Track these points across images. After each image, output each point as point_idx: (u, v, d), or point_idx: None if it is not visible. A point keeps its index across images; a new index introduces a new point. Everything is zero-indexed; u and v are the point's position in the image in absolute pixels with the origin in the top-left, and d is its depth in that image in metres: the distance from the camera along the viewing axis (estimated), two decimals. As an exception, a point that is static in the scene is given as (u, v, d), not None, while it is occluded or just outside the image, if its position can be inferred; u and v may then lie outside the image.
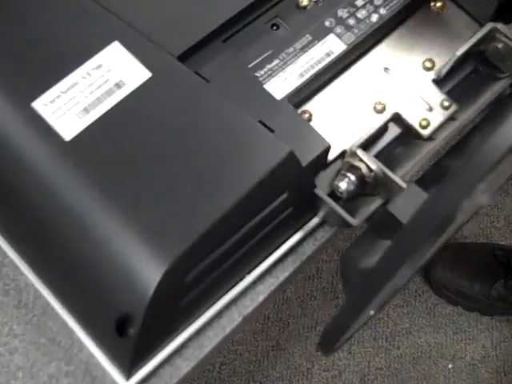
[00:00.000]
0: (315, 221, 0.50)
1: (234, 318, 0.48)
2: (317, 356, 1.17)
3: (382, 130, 0.51)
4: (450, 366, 1.18)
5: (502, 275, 1.18)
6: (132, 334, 0.42)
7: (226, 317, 0.48)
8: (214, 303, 0.47)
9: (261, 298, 0.49)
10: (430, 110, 0.52)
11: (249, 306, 0.49)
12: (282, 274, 0.50)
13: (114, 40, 0.46)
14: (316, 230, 0.51)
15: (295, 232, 0.50)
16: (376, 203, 0.48)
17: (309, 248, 0.51)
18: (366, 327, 1.19)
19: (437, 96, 0.52)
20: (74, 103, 0.44)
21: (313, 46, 0.51)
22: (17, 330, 0.47)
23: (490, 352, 1.20)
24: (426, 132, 0.51)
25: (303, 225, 0.50)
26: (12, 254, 0.48)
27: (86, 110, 0.44)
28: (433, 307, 1.22)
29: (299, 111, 0.50)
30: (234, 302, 0.48)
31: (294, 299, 1.20)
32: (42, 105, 0.44)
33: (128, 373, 0.44)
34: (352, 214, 0.47)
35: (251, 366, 1.15)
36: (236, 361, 1.15)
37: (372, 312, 0.46)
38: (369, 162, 0.47)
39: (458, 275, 1.20)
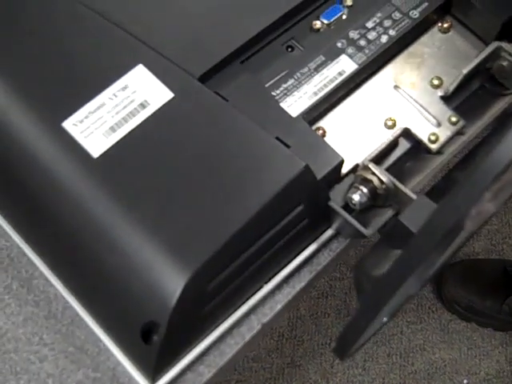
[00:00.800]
0: (329, 232, 0.51)
1: (254, 326, 0.49)
2: (332, 373, 1.16)
3: (393, 144, 0.52)
4: (465, 381, 1.17)
5: (513, 291, 1.19)
6: (156, 340, 0.43)
7: (245, 325, 0.49)
8: (234, 311, 0.48)
9: (279, 307, 0.50)
10: (439, 125, 0.53)
11: (268, 314, 0.50)
12: (299, 284, 0.51)
13: (139, 63, 0.48)
14: (330, 242, 0.52)
15: (310, 243, 0.51)
16: (388, 214, 0.49)
17: (324, 259, 0.52)
18: (380, 343, 1.19)
19: (445, 112, 0.53)
20: (101, 122, 0.46)
21: (326, 66, 0.52)
22: (47, 339, 0.49)
23: (504, 367, 1.19)
24: (434, 146, 0.52)
25: (318, 236, 0.51)
26: (42, 266, 0.49)
27: (113, 129, 0.46)
28: (446, 323, 1.21)
29: (313, 128, 0.51)
30: (253, 310, 0.49)
31: (308, 316, 1.20)
32: (72, 124, 0.46)
33: (152, 379, 0.46)
34: (365, 224, 0.48)
35: (267, 384, 1.16)
36: (251, 378, 1.15)
37: (385, 319, 0.47)
38: (380, 175, 0.48)
39: (469, 291, 1.19)
